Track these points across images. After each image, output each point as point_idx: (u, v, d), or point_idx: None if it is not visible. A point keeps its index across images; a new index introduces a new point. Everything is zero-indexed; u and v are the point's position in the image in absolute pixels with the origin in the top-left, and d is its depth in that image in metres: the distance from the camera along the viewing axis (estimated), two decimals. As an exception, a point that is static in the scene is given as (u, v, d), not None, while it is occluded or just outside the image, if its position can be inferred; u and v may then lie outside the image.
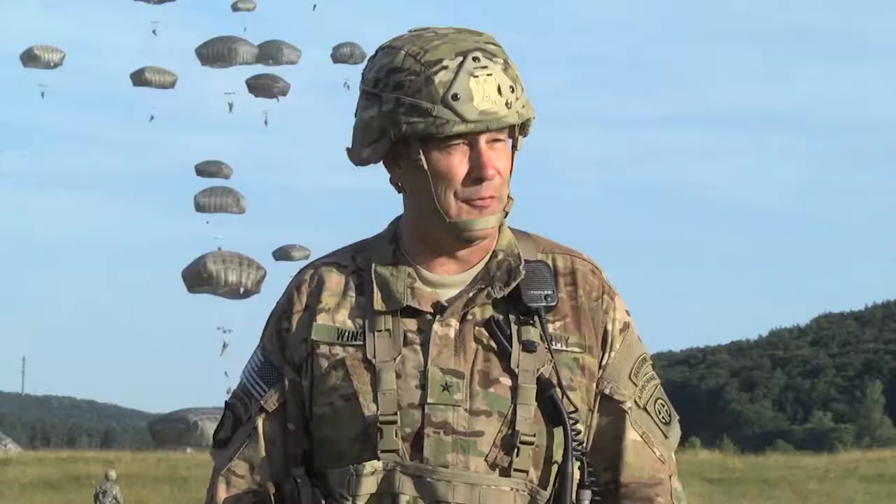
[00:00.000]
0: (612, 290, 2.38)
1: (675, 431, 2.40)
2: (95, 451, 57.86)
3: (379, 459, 2.24)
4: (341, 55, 44.55)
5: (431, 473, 2.23)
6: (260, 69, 44.34)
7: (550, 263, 2.36)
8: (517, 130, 2.30)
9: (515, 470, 2.25)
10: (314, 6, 45.42)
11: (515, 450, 2.24)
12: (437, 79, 2.22)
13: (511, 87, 2.23)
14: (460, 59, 2.22)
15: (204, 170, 44.00)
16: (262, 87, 43.50)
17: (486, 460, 2.24)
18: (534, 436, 2.25)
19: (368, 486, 2.24)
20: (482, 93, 2.21)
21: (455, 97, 2.21)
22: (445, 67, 2.22)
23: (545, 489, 2.27)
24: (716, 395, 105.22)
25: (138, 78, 43.52)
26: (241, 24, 45.68)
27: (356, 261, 2.37)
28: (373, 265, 2.34)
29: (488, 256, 2.33)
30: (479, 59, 2.22)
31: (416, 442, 2.24)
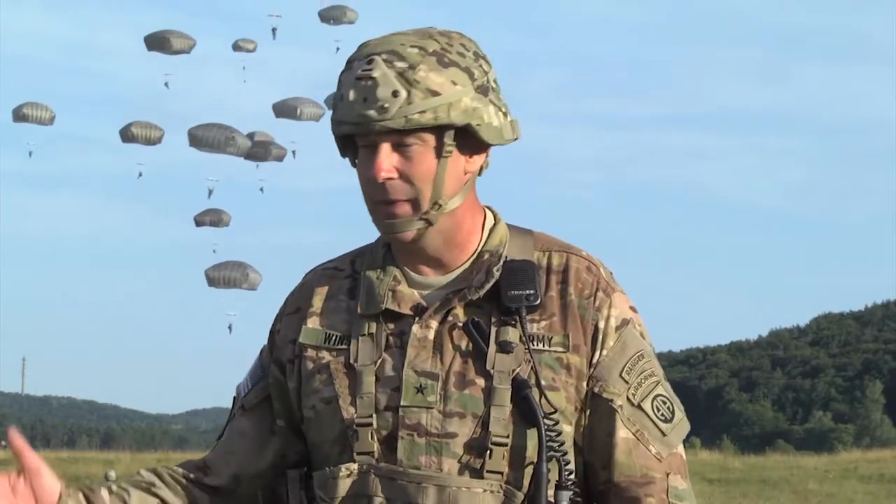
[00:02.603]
0: (610, 287, 2.36)
1: (679, 429, 2.37)
2: (95, 452, 57.78)
3: (355, 462, 2.27)
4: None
5: (403, 475, 2.25)
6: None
7: (545, 261, 2.35)
8: (449, 137, 2.27)
9: (488, 471, 2.25)
10: (337, 49, 43.76)
11: (488, 451, 2.25)
12: (341, 79, 2.28)
13: (396, 91, 2.22)
14: (363, 61, 2.26)
15: (202, 220, 43.00)
16: (255, 155, 41.38)
17: (459, 462, 2.25)
18: (507, 437, 2.25)
19: (343, 487, 2.27)
20: (360, 95, 2.23)
21: (341, 98, 2.26)
22: (350, 69, 2.27)
23: (520, 490, 2.27)
24: (716, 395, 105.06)
25: (126, 134, 42.10)
26: (241, 64, 44.42)
27: (354, 265, 2.40)
28: (364, 269, 2.37)
29: (474, 257, 2.34)
30: (372, 62, 2.24)
31: (390, 444, 2.26)
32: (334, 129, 2.30)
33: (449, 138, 2.27)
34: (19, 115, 42.57)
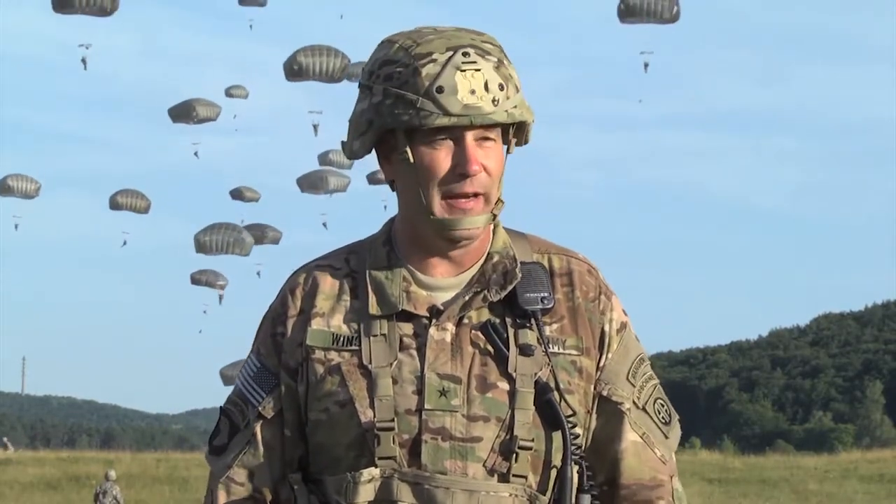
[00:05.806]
0: (609, 290, 2.37)
1: (676, 431, 2.38)
2: (95, 451, 57.79)
3: (376, 466, 2.22)
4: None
5: (429, 480, 2.21)
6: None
7: (546, 264, 2.34)
8: (511, 133, 2.29)
9: (514, 475, 2.23)
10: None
11: (514, 455, 2.23)
12: (423, 71, 2.21)
13: (501, 84, 2.21)
14: (450, 53, 2.21)
15: (198, 279, 42.35)
16: (252, 236, 40.88)
17: (484, 466, 2.22)
18: (532, 440, 2.24)
19: (366, 493, 2.22)
20: (467, 87, 2.20)
21: (440, 90, 2.20)
22: (434, 60, 2.21)
23: (544, 494, 2.26)
24: (716, 395, 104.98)
25: (113, 202, 41.23)
26: (232, 112, 43.72)
27: (350, 263, 2.35)
28: (367, 269, 2.32)
29: (483, 258, 2.31)
30: (468, 55, 2.21)
31: (414, 448, 2.22)
32: (420, 120, 2.20)
33: (510, 136, 2.27)
34: (3, 188, 41.49)
